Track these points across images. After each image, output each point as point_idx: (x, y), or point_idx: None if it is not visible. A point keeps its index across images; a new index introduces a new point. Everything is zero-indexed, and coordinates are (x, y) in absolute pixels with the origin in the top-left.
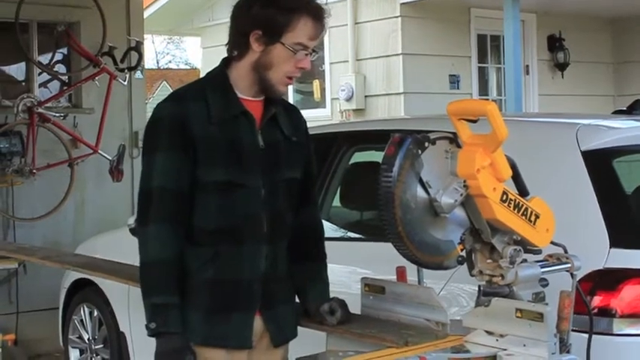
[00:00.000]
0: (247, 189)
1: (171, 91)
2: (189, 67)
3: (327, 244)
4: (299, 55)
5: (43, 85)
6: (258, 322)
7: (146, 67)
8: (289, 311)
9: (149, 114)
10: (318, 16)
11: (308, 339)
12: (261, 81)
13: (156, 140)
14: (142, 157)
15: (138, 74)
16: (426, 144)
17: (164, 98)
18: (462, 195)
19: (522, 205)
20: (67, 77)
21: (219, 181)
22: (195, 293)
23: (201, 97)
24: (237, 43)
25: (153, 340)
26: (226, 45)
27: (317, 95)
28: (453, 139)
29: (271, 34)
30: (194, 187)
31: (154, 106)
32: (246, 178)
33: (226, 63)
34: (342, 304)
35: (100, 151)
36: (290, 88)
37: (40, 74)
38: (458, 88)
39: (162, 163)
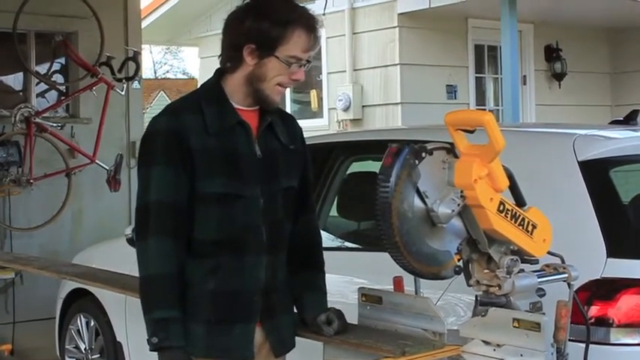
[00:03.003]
0: (246, 199)
1: (168, 102)
2: (186, 77)
3: (324, 253)
4: (293, 67)
5: (41, 95)
6: (258, 333)
7: (144, 77)
8: (289, 321)
9: (146, 124)
10: (312, 28)
11: (305, 349)
12: (255, 92)
13: (152, 154)
14: (138, 171)
15: (135, 84)
16: (424, 154)
17: (159, 112)
18: (459, 205)
19: (519, 216)
20: (64, 87)
21: (218, 192)
22: (196, 305)
23: (198, 110)
24: (230, 57)
25: (149, 349)
26: (219, 57)
27: (314, 105)
28: (451, 150)
29: (265, 47)
30: (193, 199)
31: (151, 116)
32: (244, 188)
33: (220, 74)
34: (340, 314)
35: (97, 161)
36: (287, 98)
37: (37, 84)
38: (455, 98)
39: (160, 177)
